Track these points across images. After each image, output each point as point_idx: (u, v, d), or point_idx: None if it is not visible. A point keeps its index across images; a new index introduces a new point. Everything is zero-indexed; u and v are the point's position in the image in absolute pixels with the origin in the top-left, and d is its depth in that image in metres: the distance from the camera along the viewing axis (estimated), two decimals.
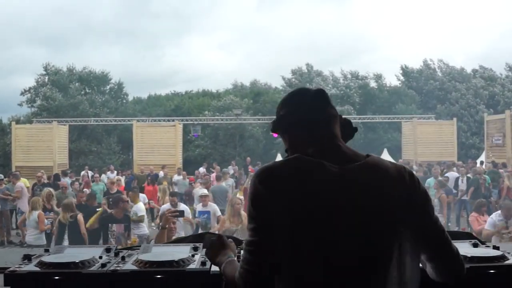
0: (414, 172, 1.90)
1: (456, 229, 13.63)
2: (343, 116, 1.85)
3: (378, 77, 39.78)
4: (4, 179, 15.38)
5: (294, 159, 1.69)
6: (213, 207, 10.58)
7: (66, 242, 8.99)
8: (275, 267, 1.61)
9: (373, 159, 1.71)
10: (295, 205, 1.59)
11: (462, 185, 15.63)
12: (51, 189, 12.66)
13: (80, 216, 9.33)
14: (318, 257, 1.57)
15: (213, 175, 17.69)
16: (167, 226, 4.56)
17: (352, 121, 1.91)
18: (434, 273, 1.79)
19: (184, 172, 18.97)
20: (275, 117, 1.85)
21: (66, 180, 17.47)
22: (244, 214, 8.96)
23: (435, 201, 13.13)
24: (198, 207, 10.77)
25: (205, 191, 11.96)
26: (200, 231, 9.24)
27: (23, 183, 15.28)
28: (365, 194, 1.62)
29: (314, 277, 1.57)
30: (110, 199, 10.47)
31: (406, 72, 40.18)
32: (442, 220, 12.69)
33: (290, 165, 1.67)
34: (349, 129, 1.85)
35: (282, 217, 1.59)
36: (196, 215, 10.60)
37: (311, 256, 1.58)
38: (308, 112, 1.78)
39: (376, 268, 1.59)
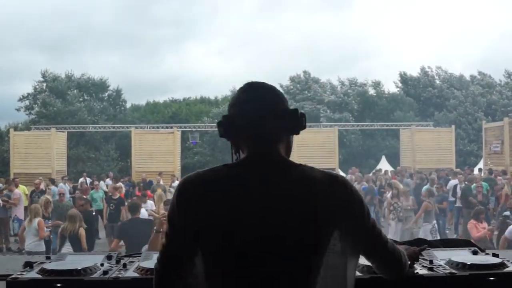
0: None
1: (454, 236, 13.64)
2: (300, 112, 1.75)
3: (376, 84, 39.84)
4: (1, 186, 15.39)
5: (212, 170, 1.70)
6: None
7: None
8: (181, 274, 1.68)
9: (303, 169, 1.67)
10: (207, 218, 1.60)
11: (460, 193, 15.66)
12: (49, 197, 12.68)
13: (82, 230, 9.29)
14: (229, 271, 1.58)
15: None
16: (161, 230, 4.64)
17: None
18: (377, 271, 1.87)
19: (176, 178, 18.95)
20: None
21: (63, 187, 17.49)
22: None
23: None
24: None
25: None
26: None
27: (22, 190, 15.29)
28: (285, 204, 1.58)
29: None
30: (128, 205, 10.52)
31: (404, 79, 40.25)
32: (430, 227, 12.77)
33: (211, 175, 1.67)
34: (297, 125, 1.76)
35: (192, 228, 1.61)
36: None
37: (220, 269, 1.59)
38: (245, 115, 1.71)
39: (297, 282, 1.57)
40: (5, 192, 14.75)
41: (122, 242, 8.25)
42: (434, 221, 12.89)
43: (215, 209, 1.59)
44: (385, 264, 1.82)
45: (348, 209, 1.64)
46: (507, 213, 11.58)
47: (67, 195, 17.06)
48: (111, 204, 13.83)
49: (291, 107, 1.77)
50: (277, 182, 1.62)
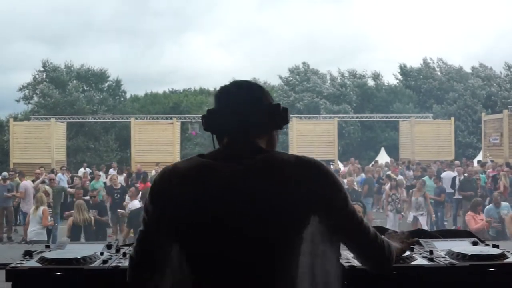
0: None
1: (452, 227, 13.67)
2: (282, 106, 1.74)
3: (376, 76, 39.78)
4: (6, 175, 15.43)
5: (187, 160, 1.70)
6: None
7: None
8: (154, 264, 1.67)
9: (272, 155, 1.65)
10: (180, 209, 1.59)
11: (458, 185, 15.72)
12: (48, 187, 12.77)
13: (93, 219, 9.64)
14: (204, 264, 1.57)
15: None
16: None
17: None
18: (359, 262, 1.82)
19: None
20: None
21: (62, 177, 17.55)
22: None
23: (419, 199, 13.19)
24: None
25: None
26: None
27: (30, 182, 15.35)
28: (259, 191, 1.57)
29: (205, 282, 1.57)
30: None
31: (404, 71, 40.18)
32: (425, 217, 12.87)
33: (185, 166, 1.67)
34: (279, 119, 1.74)
35: (166, 220, 1.62)
36: None
37: (196, 261, 1.58)
38: (226, 109, 1.73)
39: (274, 270, 1.55)
40: (8, 182, 14.79)
41: None
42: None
43: (188, 200, 1.59)
44: (366, 254, 1.75)
45: (325, 194, 1.61)
46: (507, 204, 11.61)
47: (65, 185, 17.12)
48: (115, 194, 13.92)
49: (274, 103, 1.77)
50: (247, 169, 1.61)
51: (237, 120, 1.69)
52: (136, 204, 11.02)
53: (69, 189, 15.74)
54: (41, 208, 10.71)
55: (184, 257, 1.59)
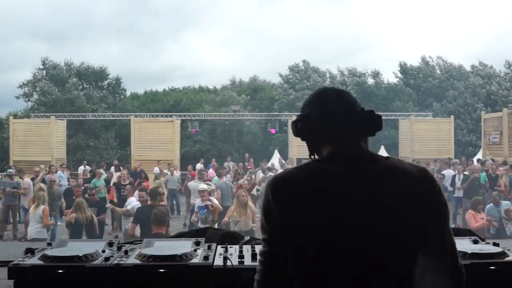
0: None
1: (452, 226, 13.67)
2: (376, 113, 1.76)
3: (375, 74, 39.75)
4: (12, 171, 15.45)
5: (305, 166, 1.68)
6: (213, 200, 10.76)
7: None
8: (287, 279, 1.62)
9: (392, 161, 1.68)
10: (306, 216, 1.58)
11: (459, 183, 15.70)
12: (43, 185, 12.74)
13: (95, 219, 9.63)
14: (333, 268, 1.57)
15: (210, 171, 17.76)
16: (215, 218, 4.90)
17: None
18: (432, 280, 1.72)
19: (172, 168, 18.92)
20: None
21: (62, 175, 17.54)
22: (250, 205, 9.89)
23: None
24: (197, 202, 10.84)
25: (204, 186, 12.03)
26: (200, 225, 9.35)
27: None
28: (381, 196, 1.58)
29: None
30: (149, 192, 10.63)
31: (404, 69, 40.15)
32: None
33: (300, 174, 1.65)
34: (373, 125, 1.76)
35: (293, 229, 1.59)
36: (196, 209, 10.71)
37: (325, 267, 1.58)
38: (327, 113, 1.73)
39: (396, 275, 1.57)
40: (15, 180, 14.82)
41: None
42: None
43: (311, 206, 1.58)
44: (447, 273, 1.68)
45: (440, 208, 1.65)
46: (507, 202, 11.61)
47: (65, 183, 17.11)
48: (122, 190, 13.95)
49: (366, 109, 1.78)
50: (370, 176, 1.62)
51: (345, 126, 1.71)
52: (132, 200, 11.00)
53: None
54: (42, 207, 10.61)
55: (305, 261, 1.59)
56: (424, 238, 1.60)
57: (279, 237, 1.63)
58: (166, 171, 18.94)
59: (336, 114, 1.71)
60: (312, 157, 1.78)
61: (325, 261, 1.57)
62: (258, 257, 1.71)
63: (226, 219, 9.86)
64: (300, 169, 1.69)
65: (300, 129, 1.76)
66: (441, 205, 1.66)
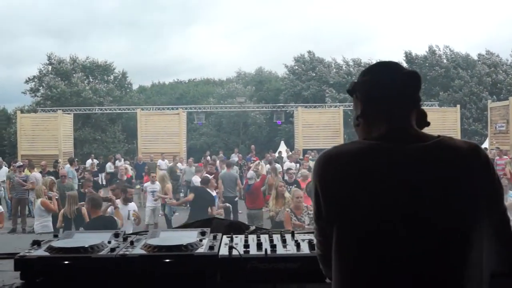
0: None
1: None
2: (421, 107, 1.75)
3: None
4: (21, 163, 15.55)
5: (357, 143, 1.67)
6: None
7: None
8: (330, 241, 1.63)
9: (444, 139, 1.66)
10: (358, 193, 1.56)
11: None
12: (53, 178, 12.77)
13: (84, 209, 9.34)
14: (367, 248, 1.54)
15: (218, 162, 17.81)
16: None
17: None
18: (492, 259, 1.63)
19: (190, 160, 18.97)
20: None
21: (68, 169, 17.58)
22: (287, 196, 9.85)
23: None
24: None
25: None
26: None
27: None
28: (436, 171, 1.55)
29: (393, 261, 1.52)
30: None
31: (409, 58, 39.97)
32: None
33: (353, 149, 1.64)
34: (422, 120, 1.78)
35: (347, 208, 1.57)
36: None
37: (356, 245, 1.56)
38: (390, 87, 1.71)
39: (457, 249, 1.51)
40: (23, 173, 14.92)
41: None
42: None
43: (360, 183, 1.57)
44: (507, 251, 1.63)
45: (493, 187, 1.60)
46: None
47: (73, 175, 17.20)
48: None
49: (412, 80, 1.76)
50: (422, 156, 1.59)
51: (394, 101, 1.70)
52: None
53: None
54: (38, 201, 10.65)
55: (348, 239, 1.57)
56: (479, 211, 1.54)
57: (324, 214, 1.63)
58: (179, 164, 18.96)
59: (392, 91, 1.71)
60: (356, 121, 1.79)
61: (382, 234, 1.53)
62: (314, 231, 1.74)
63: (271, 212, 9.98)
64: (347, 145, 1.68)
65: (356, 90, 1.77)
66: (494, 180, 1.61)
